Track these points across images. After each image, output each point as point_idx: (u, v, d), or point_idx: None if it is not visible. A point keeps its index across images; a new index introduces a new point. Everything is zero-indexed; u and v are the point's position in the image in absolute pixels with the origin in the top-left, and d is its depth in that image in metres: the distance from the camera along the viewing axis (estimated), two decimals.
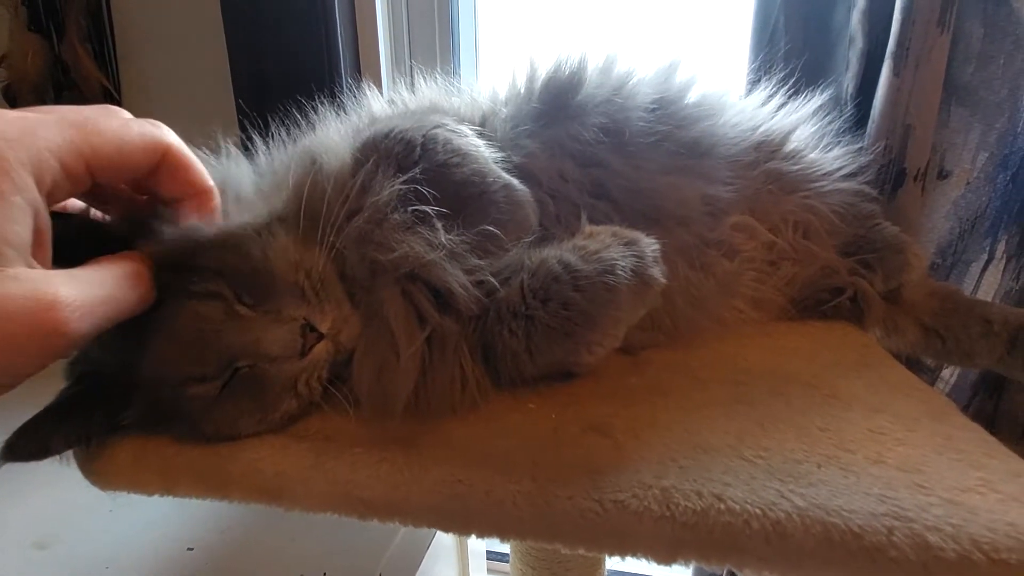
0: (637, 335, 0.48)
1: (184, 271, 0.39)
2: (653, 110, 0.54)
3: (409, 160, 0.45)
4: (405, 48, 1.06)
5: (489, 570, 1.26)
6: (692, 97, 0.58)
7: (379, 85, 0.77)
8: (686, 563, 0.33)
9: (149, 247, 0.38)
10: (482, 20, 1.08)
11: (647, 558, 0.33)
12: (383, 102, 0.58)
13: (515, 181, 0.47)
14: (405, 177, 0.43)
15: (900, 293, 0.63)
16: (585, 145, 0.52)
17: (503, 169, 0.48)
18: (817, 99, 0.65)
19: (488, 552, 1.26)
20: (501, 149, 0.49)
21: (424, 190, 0.43)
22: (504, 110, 0.54)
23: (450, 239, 0.42)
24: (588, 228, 0.47)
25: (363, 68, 1.04)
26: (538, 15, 1.12)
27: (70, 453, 0.40)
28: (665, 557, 0.33)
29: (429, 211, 0.43)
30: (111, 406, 0.40)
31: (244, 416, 0.40)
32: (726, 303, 0.57)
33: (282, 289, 0.40)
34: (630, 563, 1.31)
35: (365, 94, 0.58)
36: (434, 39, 1.05)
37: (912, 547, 0.30)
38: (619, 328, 0.44)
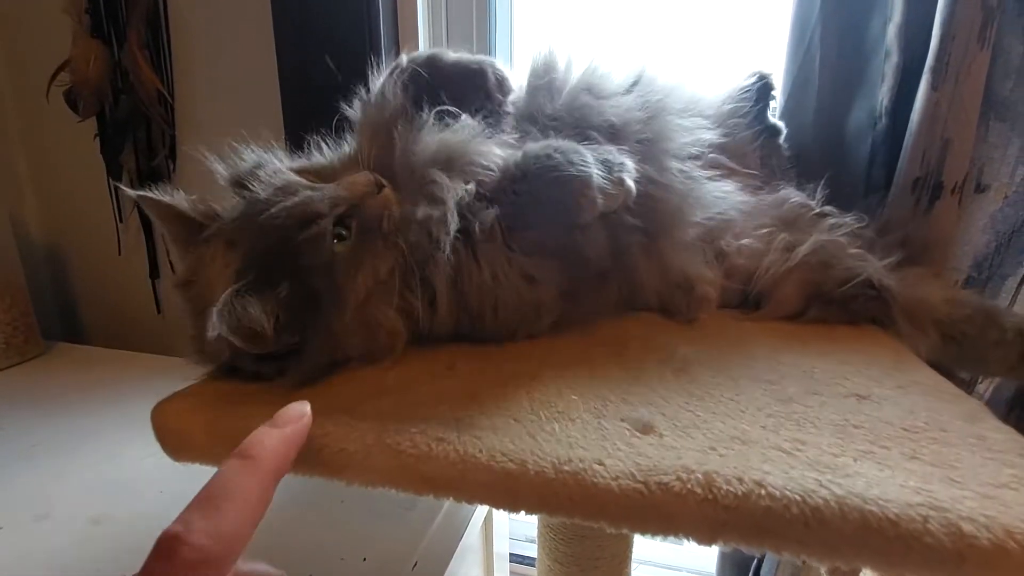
0: None
1: None
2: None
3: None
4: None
5: (512, 572, 1.27)
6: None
7: None
8: (726, 544, 0.35)
9: None
10: (517, 19, 1.13)
11: (689, 538, 0.35)
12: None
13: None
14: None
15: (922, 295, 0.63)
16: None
17: None
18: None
19: (511, 555, 1.27)
20: None
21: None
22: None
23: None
24: None
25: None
26: (572, 7, 1.14)
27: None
28: (707, 538, 0.35)
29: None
30: None
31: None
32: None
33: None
34: (653, 571, 1.30)
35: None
36: (471, 35, 1.10)
37: (947, 535, 0.31)
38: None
